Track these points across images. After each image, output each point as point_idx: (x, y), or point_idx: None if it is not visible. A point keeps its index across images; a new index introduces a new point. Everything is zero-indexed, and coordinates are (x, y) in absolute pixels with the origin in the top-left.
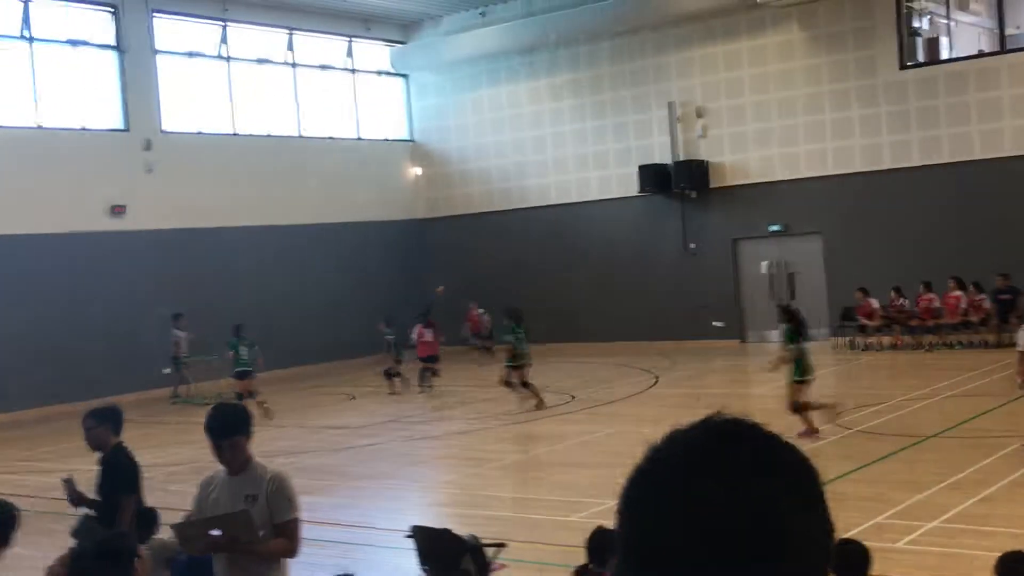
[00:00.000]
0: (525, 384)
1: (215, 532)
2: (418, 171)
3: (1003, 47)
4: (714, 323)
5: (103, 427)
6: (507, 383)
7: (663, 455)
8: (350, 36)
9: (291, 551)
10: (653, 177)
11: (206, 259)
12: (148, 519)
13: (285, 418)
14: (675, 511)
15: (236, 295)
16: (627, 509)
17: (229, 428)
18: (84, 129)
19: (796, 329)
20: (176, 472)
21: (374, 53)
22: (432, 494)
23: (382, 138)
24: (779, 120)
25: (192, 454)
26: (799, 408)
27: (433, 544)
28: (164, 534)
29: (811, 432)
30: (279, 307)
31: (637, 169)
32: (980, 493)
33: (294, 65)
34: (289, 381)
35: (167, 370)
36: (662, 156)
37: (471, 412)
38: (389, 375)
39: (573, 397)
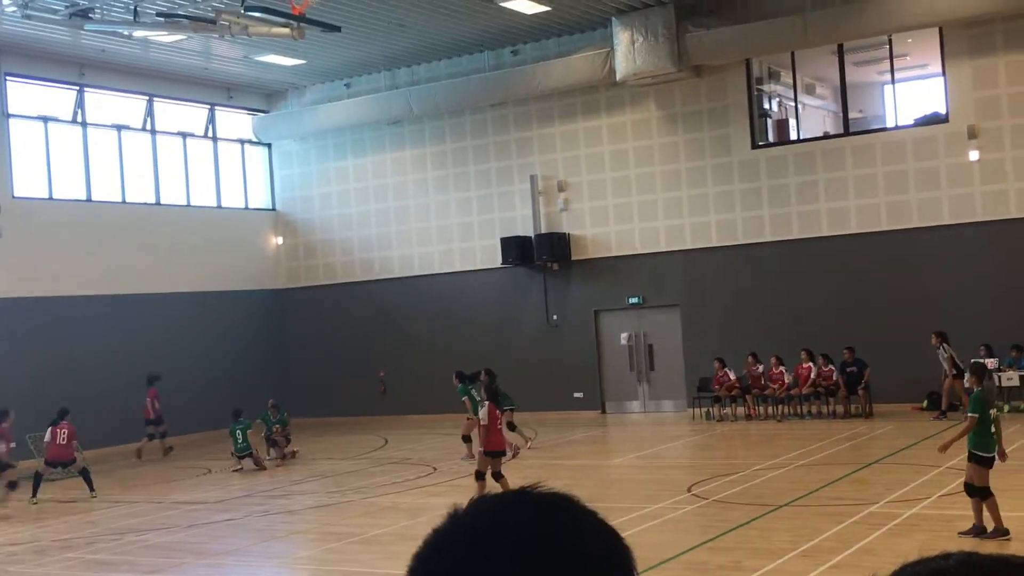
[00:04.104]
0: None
1: None
2: (279, 240)
3: (847, 130)
4: (574, 395)
5: None
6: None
7: (454, 526)
8: (212, 104)
9: None
10: (516, 249)
11: (56, 329)
12: None
13: (136, 493)
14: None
15: (88, 366)
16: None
17: None
18: None
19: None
20: (15, 552)
21: (236, 121)
22: (289, 570)
23: (243, 207)
24: (638, 195)
25: (33, 533)
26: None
27: None
28: None
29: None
30: (134, 378)
31: (500, 241)
32: (831, 560)
33: (153, 132)
34: (144, 454)
35: None
36: (524, 228)
37: (331, 485)
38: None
39: (435, 469)
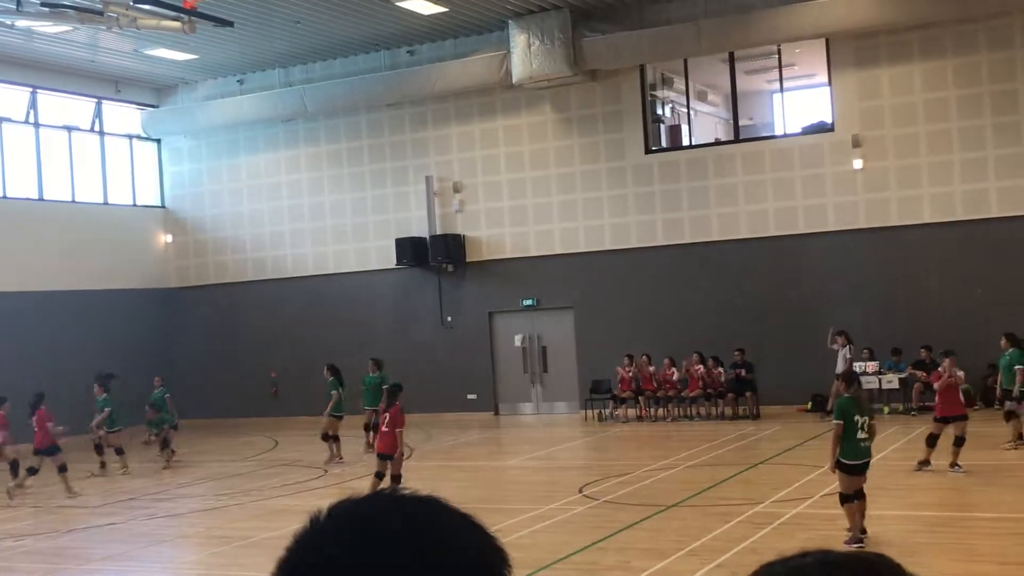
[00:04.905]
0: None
1: None
2: (169, 238)
3: (737, 136)
4: (468, 396)
5: None
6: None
7: (315, 531)
8: (99, 97)
9: None
10: (410, 250)
11: None
12: None
13: (15, 496)
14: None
15: None
16: None
17: None
18: None
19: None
20: None
21: (125, 116)
22: (174, 575)
23: (131, 203)
24: (533, 198)
25: None
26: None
27: None
28: None
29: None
30: (14, 378)
31: (395, 242)
32: (717, 559)
33: (37, 125)
34: (26, 457)
35: None
36: (420, 229)
37: (219, 488)
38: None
39: (326, 471)
